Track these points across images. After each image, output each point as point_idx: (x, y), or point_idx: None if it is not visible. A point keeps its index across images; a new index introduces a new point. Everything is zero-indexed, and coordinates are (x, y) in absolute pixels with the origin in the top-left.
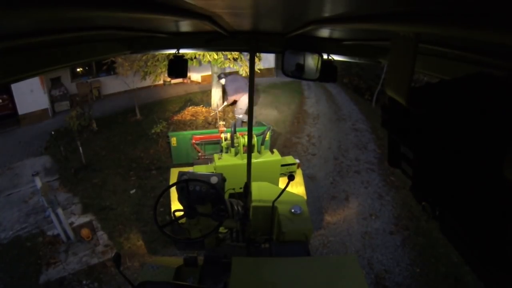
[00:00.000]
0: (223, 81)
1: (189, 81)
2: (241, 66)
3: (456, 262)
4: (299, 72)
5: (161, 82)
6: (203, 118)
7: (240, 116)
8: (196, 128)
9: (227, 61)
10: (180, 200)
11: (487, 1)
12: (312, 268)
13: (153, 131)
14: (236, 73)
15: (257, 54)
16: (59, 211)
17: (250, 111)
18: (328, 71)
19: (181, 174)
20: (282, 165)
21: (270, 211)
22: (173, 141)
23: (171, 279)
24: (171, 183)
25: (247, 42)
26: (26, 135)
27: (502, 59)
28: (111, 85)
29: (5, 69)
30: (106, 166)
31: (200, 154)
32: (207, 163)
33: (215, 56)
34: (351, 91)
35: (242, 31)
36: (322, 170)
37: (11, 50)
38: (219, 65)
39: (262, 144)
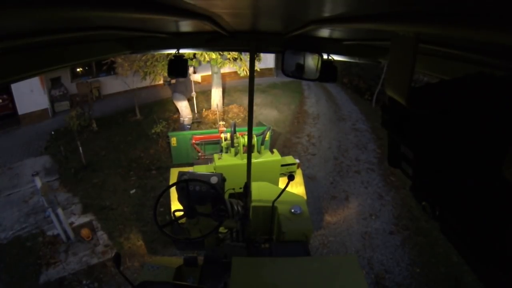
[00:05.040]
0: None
1: None
2: (240, 66)
3: (456, 262)
4: (299, 72)
5: (161, 82)
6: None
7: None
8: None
9: (226, 61)
10: (180, 200)
11: (487, 1)
12: (312, 268)
13: (153, 131)
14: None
15: (257, 55)
16: (59, 211)
17: (250, 111)
18: (328, 71)
19: (181, 174)
20: (282, 165)
21: (270, 211)
22: (173, 141)
23: (171, 279)
24: (171, 183)
25: (247, 42)
26: (26, 135)
27: (502, 59)
28: (111, 85)
29: (5, 69)
30: (106, 166)
31: (200, 154)
32: (207, 163)
33: (213, 56)
34: (351, 91)
35: (242, 31)
36: (322, 170)
37: (11, 50)
38: (218, 65)
39: (262, 144)
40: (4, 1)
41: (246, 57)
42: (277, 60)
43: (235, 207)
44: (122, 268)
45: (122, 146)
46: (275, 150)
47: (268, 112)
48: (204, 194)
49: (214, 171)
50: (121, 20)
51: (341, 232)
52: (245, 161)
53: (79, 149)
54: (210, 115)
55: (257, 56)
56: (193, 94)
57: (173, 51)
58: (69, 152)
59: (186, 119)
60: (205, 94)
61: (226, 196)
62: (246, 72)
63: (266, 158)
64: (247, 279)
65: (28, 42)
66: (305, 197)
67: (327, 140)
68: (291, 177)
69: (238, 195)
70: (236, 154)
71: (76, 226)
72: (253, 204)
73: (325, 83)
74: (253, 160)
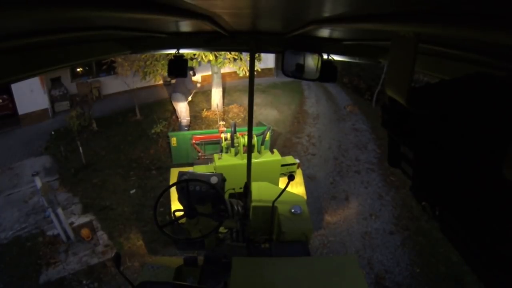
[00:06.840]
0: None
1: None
2: (240, 66)
3: (456, 262)
4: (299, 72)
5: (161, 82)
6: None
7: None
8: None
9: (226, 60)
10: (180, 200)
11: (487, 1)
12: (312, 268)
13: (153, 131)
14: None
15: (257, 55)
16: (59, 211)
17: (250, 111)
18: (328, 71)
19: (181, 174)
20: (282, 165)
21: (270, 211)
22: (173, 141)
23: (171, 279)
24: (171, 183)
25: (247, 42)
26: (26, 135)
27: (502, 59)
28: (111, 85)
29: (5, 69)
30: (106, 166)
31: (200, 154)
32: (207, 163)
33: (211, 57)
34: (351, 91)
35: (242, 31)
36: (322, 170)
37: (11, 50)
38: (218, 65)
39: (262, 144)
40: (4, 1)
41: (246, 57)
42: (277, 60)
43: (235, 207)
44: (122, 268)
45: (122, 146)
46: (275, 150)
47: (268, 112)
48: (204, 194)
49: (214, 171)
50: (121, 20)
51: (341, 232)
52: (245, 161)
53: (79, 149)
54: (210, 115)
55: (257, 56)
56: (190, 97)
57: (173, 51)
58: (69, 152)
59: (184, 120)
60: (205, 94)
61: (226, 196)
62: (245, 72)
63: (266, 158)
64: (247, 279)
65: (28, 42)
66: (305, 197)
67: (327, 140)
68: (291, 177)
69: (238, 195)
70: (236, 154)
71: (76, 226)
72: (253, 204)
73: (325, 83)
74: (253, 160)
